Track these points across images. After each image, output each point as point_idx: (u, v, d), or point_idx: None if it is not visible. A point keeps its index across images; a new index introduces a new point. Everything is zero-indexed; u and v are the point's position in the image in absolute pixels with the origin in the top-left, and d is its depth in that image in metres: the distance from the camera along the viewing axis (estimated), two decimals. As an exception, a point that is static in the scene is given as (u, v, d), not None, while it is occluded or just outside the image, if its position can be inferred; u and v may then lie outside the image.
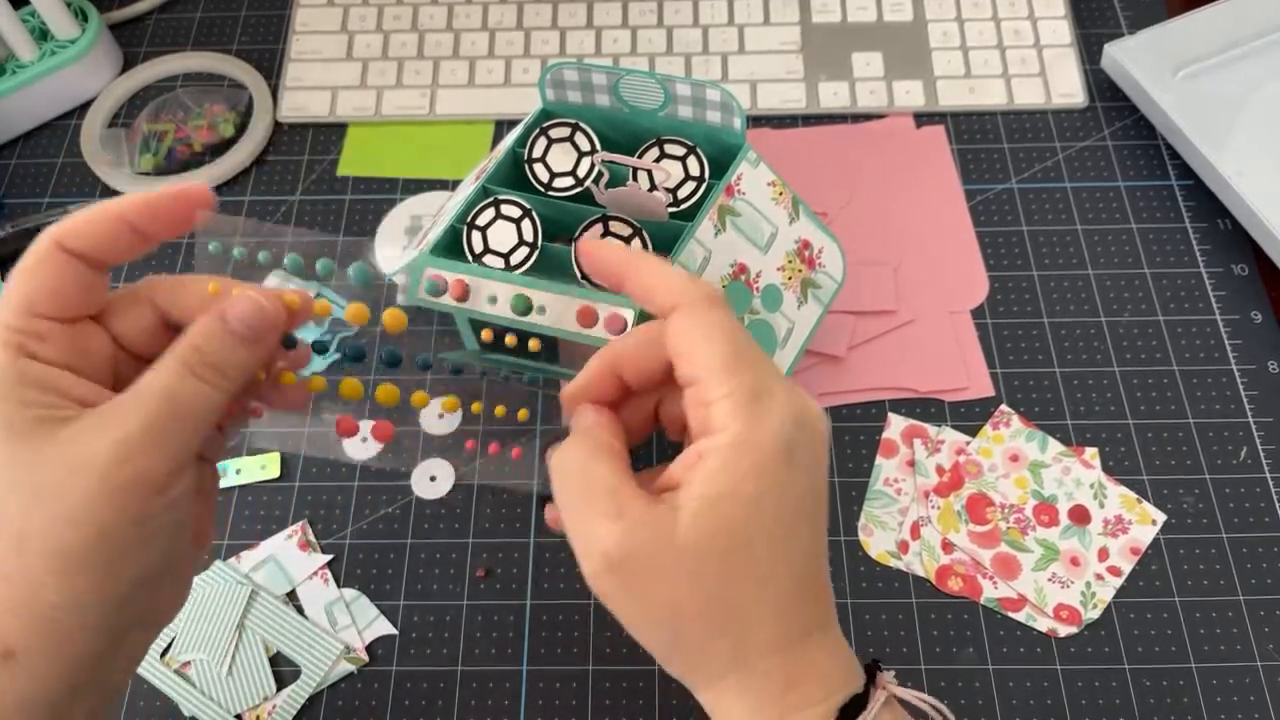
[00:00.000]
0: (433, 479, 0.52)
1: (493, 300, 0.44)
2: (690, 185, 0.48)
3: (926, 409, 0.53)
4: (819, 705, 0.32)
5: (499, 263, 0.46)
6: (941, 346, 0.55)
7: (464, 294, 0.43)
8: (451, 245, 0.47)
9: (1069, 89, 0.63)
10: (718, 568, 0.31)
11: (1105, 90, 0.63)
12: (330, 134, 0.64)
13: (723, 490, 0.31)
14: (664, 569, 0.31)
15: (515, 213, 0.47)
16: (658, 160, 0.48)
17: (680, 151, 0.49)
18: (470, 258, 0.46)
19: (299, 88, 0.65)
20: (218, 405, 0.32)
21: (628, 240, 0.46)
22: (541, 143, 0.49)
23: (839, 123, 0.63)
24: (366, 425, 0.42)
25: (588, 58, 0.65)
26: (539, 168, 0.49)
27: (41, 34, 0.64)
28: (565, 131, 0.49)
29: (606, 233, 0.46)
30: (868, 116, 0.63)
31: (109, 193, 0.62)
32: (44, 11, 0.63)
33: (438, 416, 0.53)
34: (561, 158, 0.49)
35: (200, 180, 0.35)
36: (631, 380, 0.36)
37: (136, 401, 0.31)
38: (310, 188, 0.62)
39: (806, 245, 0.50)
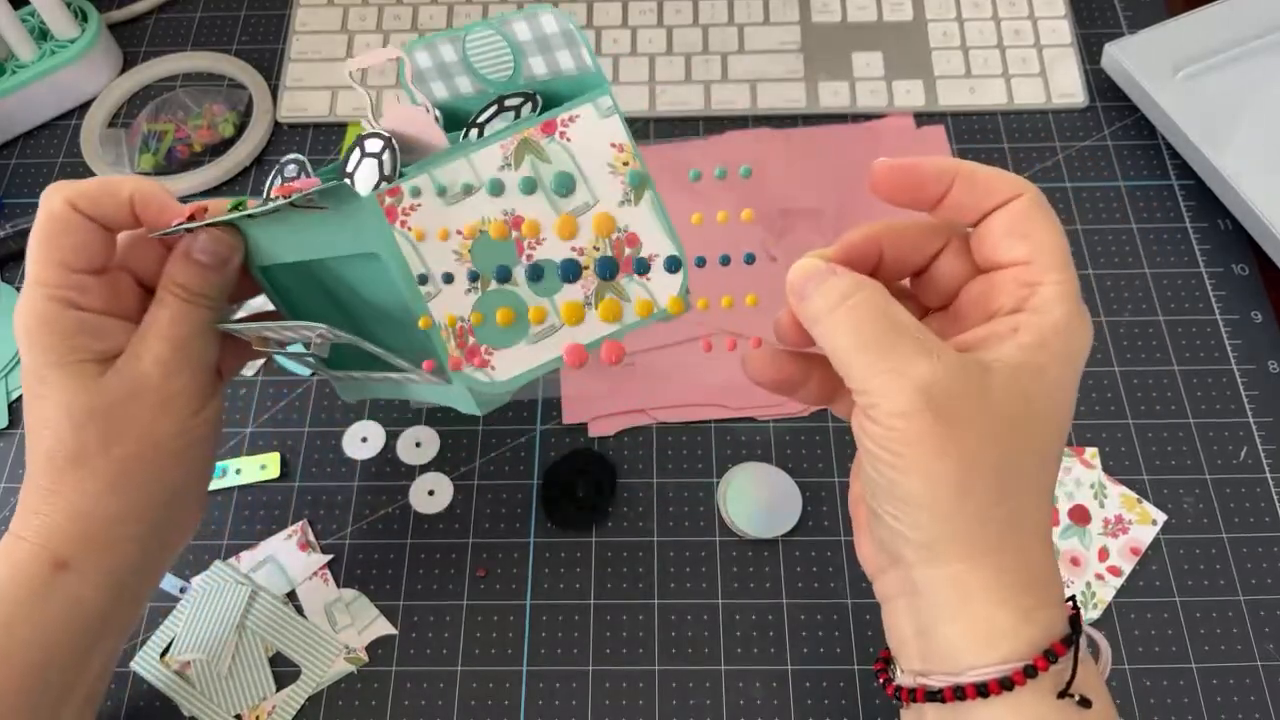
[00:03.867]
0: (431, 493, 0.52)
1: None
2: (508, 117, 0.39)
3: (926, 409, 0.53)
4: (1055, 609, 0.32)
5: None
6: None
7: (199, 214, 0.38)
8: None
9: (1069, 89, 0.63)
10: (1020, 433, 0.31)
11: (1105, 90, 0.63)
12: (330, 134, 0.64)
13: (1039, 362, 0.31)
14: (973, 418, 0.30)
15: (376, 146, 0.37)
16: (497, 110, 0.40)
17: (517, 102, 0.40)
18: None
19: (299, 88, 0.65)
20: (212, 319, 0.40)
21: (379, 154, 0.37)
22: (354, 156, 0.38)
23: (839, 123, 0.63)
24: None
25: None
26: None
27: (41, 34, 0.64)
28: (377, 145, 0.38)
29: (363, 155, 0.37)
30: (868, 116, 0.63)
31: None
32: (44, 11, 0.63)
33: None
34: (366, 177, 0.38)
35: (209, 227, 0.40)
36: (890, 259, 0.34)
37: (156, 331, 0.39)
38: (310, 188, 0.62)
39: (633, 242, 0.38)
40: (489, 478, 0.52)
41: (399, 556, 0.50)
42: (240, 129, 0.64)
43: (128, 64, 0.67)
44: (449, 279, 0.36)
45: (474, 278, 0.36)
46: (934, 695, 0.32)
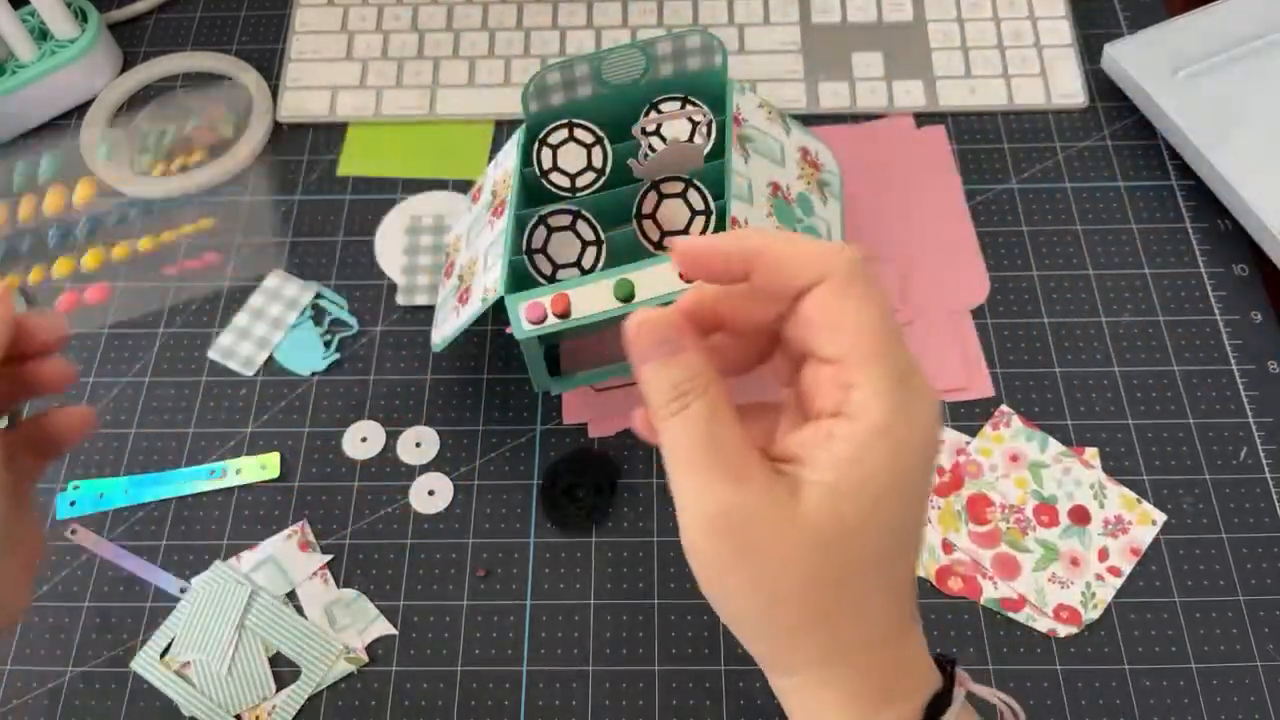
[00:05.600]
0: (431, 493, 0.52)
1: (588, 295, 0.44)
2: (702, 130, 0.50)
3: (926, 409, 0.53)
4: (905, 704, 0.31)
5: (565, 181, 0.49)
6: (942, 346, 0.55)
7: (567, 308, 0.44)
8: (519, 278, 0.47)
9: (1069, 89, 0.63)
10: (832, 556, 0.29)
11: (1105, 90, 0.63)
12: (330, 134, 0.64)
13: (853, 479, 0.29)
14: (775, 545, 0.29)
15: (588, 138, 0.49)
16: (658, 124, 0.50)
17: (676, 105, 0.51)
18: (538, 172, 0.49)
19: (299, 88, 0.65)
20: None
21: (683, 194, 0.47)
22: (546, 152, 0.50)
23: (839, 123, 0.63)
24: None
25: (588, 58, 0.65)
26: (556, 176, 0.49)
27: (41, 34, 0.64)
28: (563, 134, 0.50)
29: (660, 197, 0.47)
30: (868, 116, 0.63)
31: (109, 193, 0.62)
32: (44, 11, 0.63)
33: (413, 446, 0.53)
34: (572, 158, 0.49)
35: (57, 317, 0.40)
36: (731, 320, 0.33)
37: None
38: (310, 188, 0.62)
39: (805, 151, 0.53)
40: (489, 478, 0.52)
41: (399, 556, 0.50)
42: (240, 129, 0.64)
43: (128, 64, 0.67)
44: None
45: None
46: None
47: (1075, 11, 0.66)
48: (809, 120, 0.63)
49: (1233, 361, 0.54)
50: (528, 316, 0.44)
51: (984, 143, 0.62)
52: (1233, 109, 0.59)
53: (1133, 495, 0.50)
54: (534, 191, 0.50)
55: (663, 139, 0.50)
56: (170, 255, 0.60)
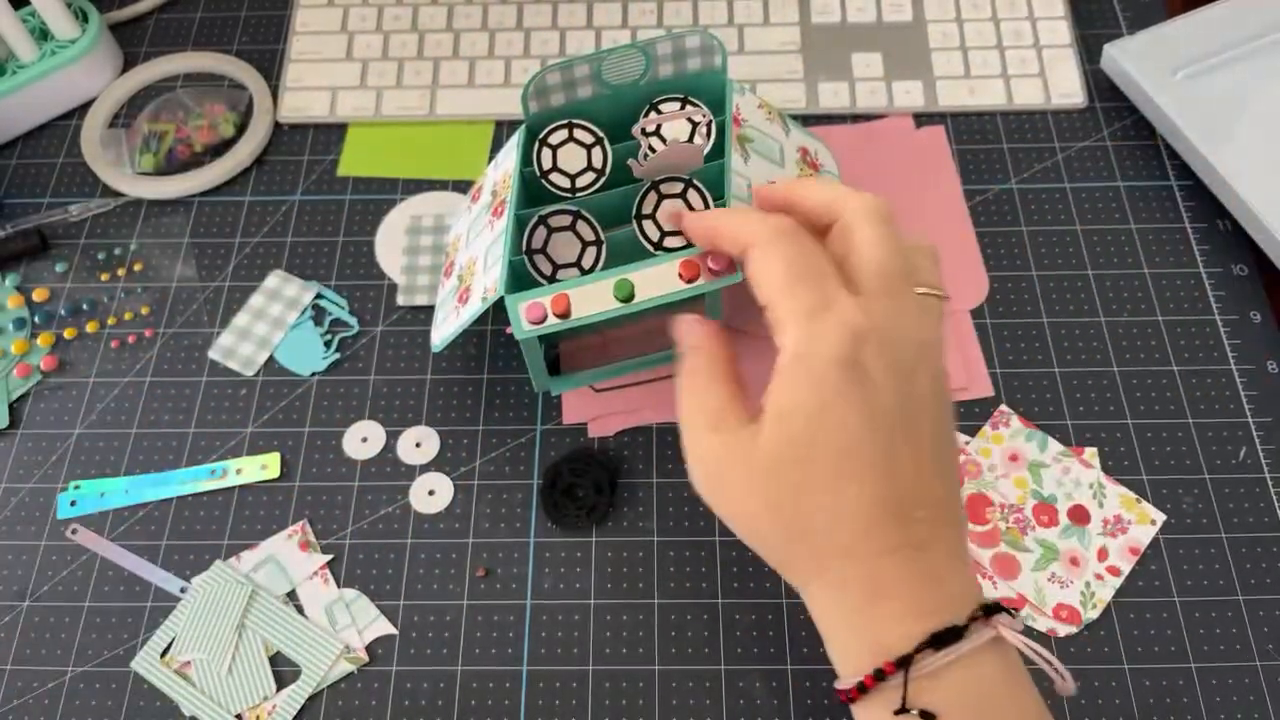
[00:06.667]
0: (431, 493, 0.52)
1: (591, 295, 0.44)
2: (702, 130, 0.49)
3: (926, 409, 0.53)
4: (909, 623, 0.33)
5: (565, 181, 0.49)
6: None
7: (567, 308, 0.44)
8: (519, 278, 0.47)
9: (1068, 89, 0.63)
10: (786, 479, 0.34)
11: (1105, 90, 0.63)
12: (330, 134, 0.64)
13: (784, 405, 0.34)
14: (740, 479, 0.35)
15: (588, 139, 0.49)
16: (658, 124, 0.50)
17: (676, 106, 0.51)
18: (538, 172, 0.49)
19: (299, 88, 0.65)
20: None
21: (683, 194, 0.47)
22: (546, 153, 0.49)
23: (839, 123, 0.63)
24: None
25: (588, 58, 0.65)
26: (556, 177, 0.49)
27: (41, 34, 0.64)
28: (563, 134, 0.50)
29: (660, 197, 0.47)
30: (868, 117, 0.63)
31: (109, 193, 0.62)
32: (44, 11, 0.63)
33: (415, 445, 0.53)
34: (572, 158, 0.49)
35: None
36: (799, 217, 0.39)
37: None
38: (310, 188, 0.62)
39: (805, 151, 0.53)
40: (489, 478, 0.52)
41: (399, 556, 0.51)
42: (241, 129, 0.64)
43: (128, 64, 0.67)
44: None
45: None
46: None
47: (1075, 11, 0.66)
48: (808, 120, 0.63)
49: (1232, 361, 0.54)
50: (528, 317, 0.44)
51: (983, 143, 0.62)
52: (1233, 109, 0.59)
53: (1132, 495, 0.50)
54: (534, 192, 0.50)
55: (663, 139, 0.50)
56: (170, 255, 0.60)
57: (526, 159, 0.50)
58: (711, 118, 0.50)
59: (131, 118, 0.65)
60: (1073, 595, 0.48)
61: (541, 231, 0.47)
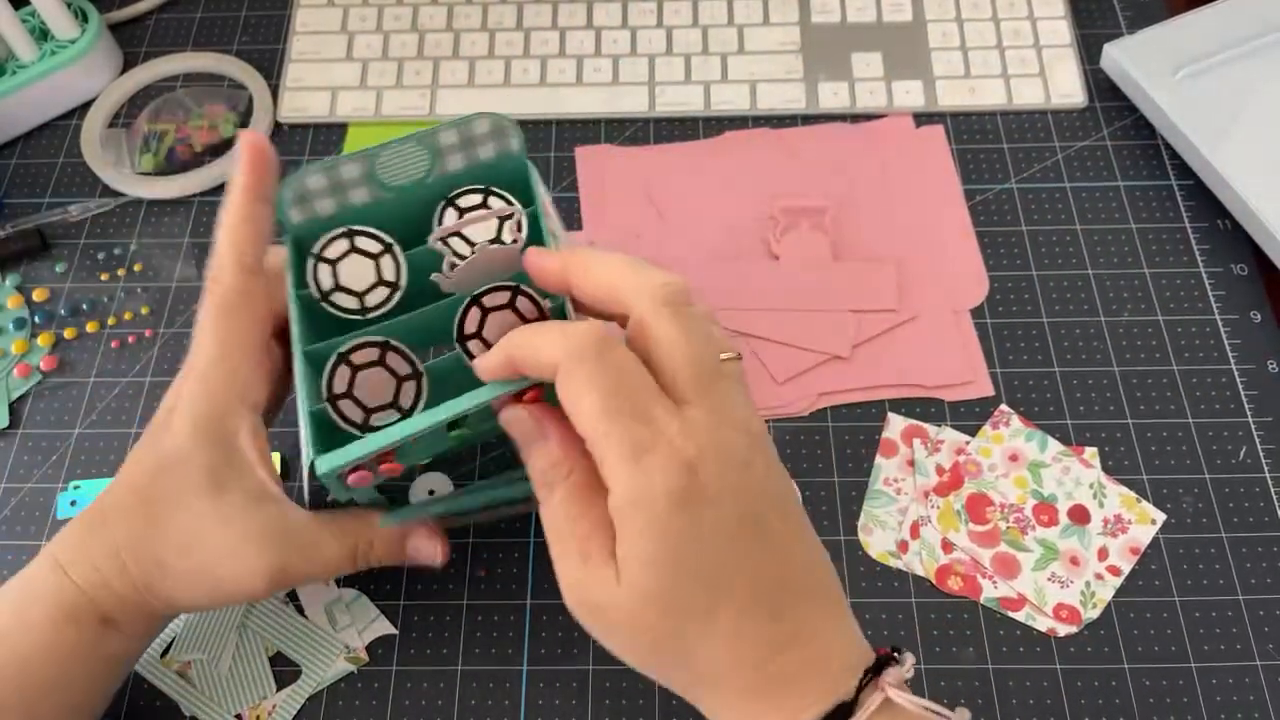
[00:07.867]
0: (431, 493, 0.52)
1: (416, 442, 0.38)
2: (512, 225, 0.42)
3: (926, 409, 0.53)
4: (801, 711, 0.33)
5: (352, 302, 0.40)
6: (943, 343, 0.55)
7: (397, 465, 0.38)
8: (328, 432, 0.38)
9: (1068, 89, 0.63)
10: (655, 614, 0.33)
11: (1105, 90, 0.63)
12: (330, 134, 0.64)
13: (637, 557, 0.32)
14: (610, 610, 0.33)
15: (374, 247, 0.41)
16: (460, 217, 0.42)
17: (478, 199, 0.42)
18: (317, 294, 0.40)
19: (299, 88, 0.65)
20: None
21: (511, 304, 0.40)
22: (324, 269, 0.40)
23: (839, 123, 0.63)
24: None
25: (587, 58, 0.65)
26: (340, 297, 0.40)
27: (41, 34, 0.64)
28: (343, 245, 0.41)
29: (484, 311, 0.39)
30: (868, 116, 0.63)
31: (109, 193, 0.62)
32: (44, 11, 0.63)
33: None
34: (358, 273, 0.41)
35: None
36: None
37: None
38: (310, 188, 0.62)
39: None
40: (489, 477, 0.52)
41: (399, 556, 0.50)
42: (241, 129, 0.64)
43: (128, 64, 0.67)
44: None
45: None
46: None
47: (1075, 11, 0.66)
48: (808, 120, 0.63)
49: (1232, 361, 0.54)
50: (357, 484, 0.38)
51: (983, 143, 0.62)
52: (1233, 109, 0.59)
53: (1132, 495, 0.50)
54: (319, 319, 0.40)
55: (470, 243, 0.42)
56: (170, 255, 0.60)
57: (300, 279, 0.40)
58: (520, 210, 0.42)
59: (131, 118, 0.65)
60: (1073, 595, 0.48)
61: (344, 371, 0.38)
